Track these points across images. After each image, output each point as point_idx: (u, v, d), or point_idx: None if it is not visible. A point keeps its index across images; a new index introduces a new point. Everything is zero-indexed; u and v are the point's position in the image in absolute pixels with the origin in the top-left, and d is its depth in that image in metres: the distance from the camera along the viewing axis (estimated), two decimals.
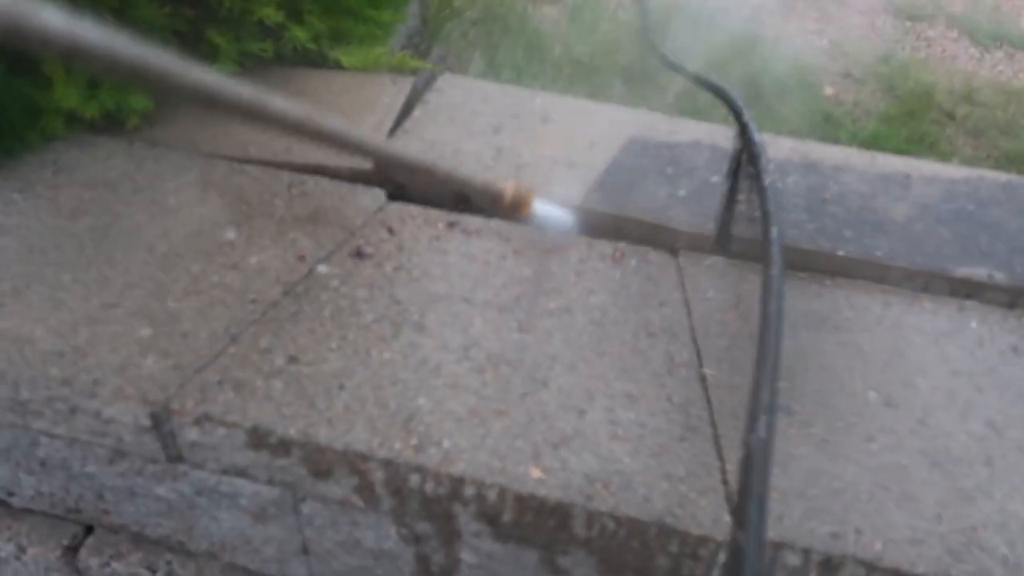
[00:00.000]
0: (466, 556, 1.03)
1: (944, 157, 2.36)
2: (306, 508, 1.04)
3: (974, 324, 1.12)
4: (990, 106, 2.61)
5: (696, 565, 0.92)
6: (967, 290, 1.16)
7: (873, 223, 1.22)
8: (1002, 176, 1.30)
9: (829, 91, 2.57)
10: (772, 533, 0.88)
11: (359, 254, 1.17)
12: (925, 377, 1.05)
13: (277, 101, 0.64)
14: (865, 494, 0.92)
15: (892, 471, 0.94)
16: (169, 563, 1.18)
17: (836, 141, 2.36)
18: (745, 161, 1.31)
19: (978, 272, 1.15)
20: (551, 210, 1.15)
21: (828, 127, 2.38)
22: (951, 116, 2.55)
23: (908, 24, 3.11)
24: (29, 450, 1.09)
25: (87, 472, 1.10)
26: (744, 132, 1.36)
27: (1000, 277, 1.15)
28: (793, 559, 0.88)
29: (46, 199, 1.20)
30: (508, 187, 1.02)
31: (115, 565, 1.18)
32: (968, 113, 2.56)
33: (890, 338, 1.10)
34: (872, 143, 2.33)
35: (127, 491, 1.11)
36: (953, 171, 1.32)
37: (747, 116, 1.39)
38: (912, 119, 2.48)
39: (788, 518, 0.89)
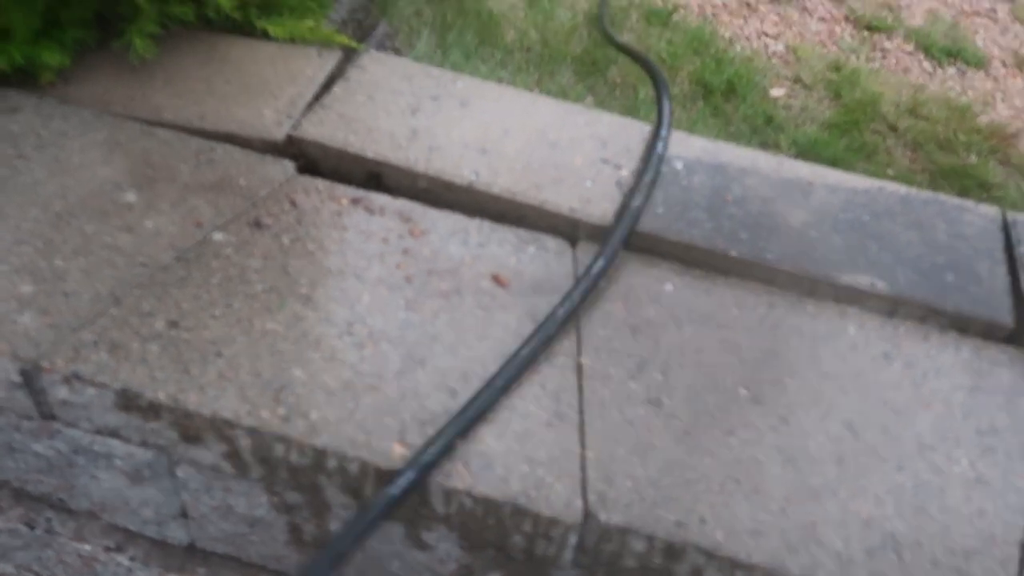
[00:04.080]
0: (336, 527, 1.04)
1: (880, 168, 2.40)
2: (181, 472, 1.05)
3: (851, 330, 1.15)
4: (933, 120, 2.65)
5: (548, 545, 0.94)
6: (850, 297, 1.19)
7: (769, 227, 1.25)
8: (902, 189, 1.33)
9: (776, 93, 2.60)
10: (620, 519, 0.90)
11: (257, 224, 1.18)
12: (796, 377, 1.08)
13: None
14: (716, 486, 0.95)
15: (746, 465, 0.97)
16: (49, 520, 1.18)
17: (775, 145, 2.40)
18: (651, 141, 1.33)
19: (862, 280, 1.18)
20: None
21: (769, 130, 2.40)
22: (893, 128, 2.59)
23: (866, 34, 3.14)
24: None
25: None
26: (659, 104, 1.39)
27: (882, 286, 1.18)
28: (638, 545, 0.91)
29: None
30: None
31: None
32: (911, 126, 2.60)
33: (769, 338, 1.13)
34: (810, 149, 2.36)
35: (6, 446, 1.11)
36: (856, 181, 1.34)
37: (666, 89, 1.41)
38: (854, 128, 2.51)
39: (638, 506, 0.92)
